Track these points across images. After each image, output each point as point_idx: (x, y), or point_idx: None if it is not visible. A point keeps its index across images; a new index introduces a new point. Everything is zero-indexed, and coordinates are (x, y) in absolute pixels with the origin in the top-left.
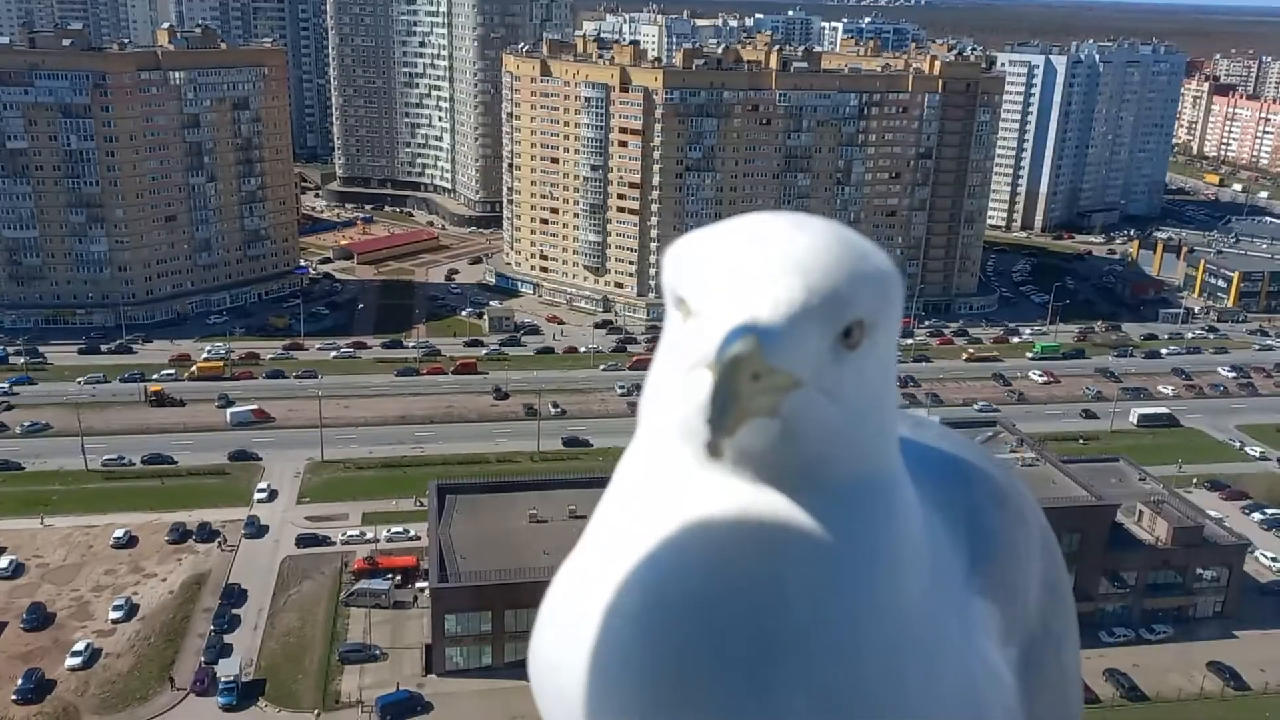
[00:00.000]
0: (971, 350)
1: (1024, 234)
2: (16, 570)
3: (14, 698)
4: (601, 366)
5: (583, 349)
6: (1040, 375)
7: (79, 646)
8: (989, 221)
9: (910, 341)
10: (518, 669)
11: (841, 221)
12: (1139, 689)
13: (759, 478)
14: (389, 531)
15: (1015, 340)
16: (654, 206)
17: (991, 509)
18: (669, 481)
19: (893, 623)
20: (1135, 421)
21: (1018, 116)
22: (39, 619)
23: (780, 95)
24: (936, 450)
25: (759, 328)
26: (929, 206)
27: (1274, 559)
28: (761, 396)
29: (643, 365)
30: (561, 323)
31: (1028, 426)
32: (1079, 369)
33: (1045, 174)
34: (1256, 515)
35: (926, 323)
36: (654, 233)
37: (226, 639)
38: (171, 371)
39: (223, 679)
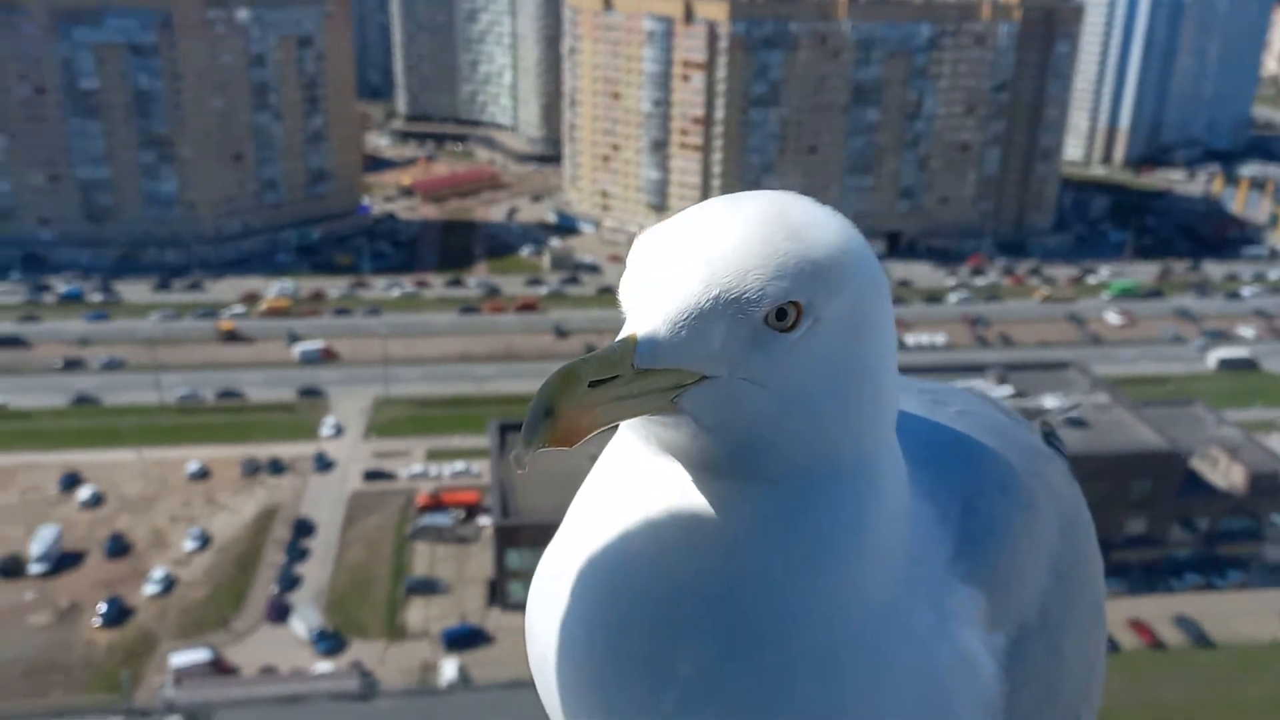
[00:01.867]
0: (1046, 290)
1: (1103, 169)
2: (97, 501)
3: (97, 623)
4: None
5: None
6: (1116, 316)
7: (157, 575)
8: (1066, 157)
9: (982, 282)
10: None
11: (911, 156)
12: (1207, 636)
13: (697, 470)
14: (452, 468)
15: (1091, 280)
16: (717, 142)
17: (991, 493)
18: (626, 471)
19: (832, 614)
20: (1214, 365)
21: (1098, 48)
22: (119, 548)
23: (850, 26)
24: (945, 430)
25: (641, 332)
26: (1003, 141)
27: None
28: (634, 399)
29: None
30: (623, 261)
31: (1102, 369)
32: (1157, 310)
33: (1126, 107)
34: None
35: (998, 261)
36: (716, 169)
37: (297, 570)
38: (241, 309)
39: (312, 630)
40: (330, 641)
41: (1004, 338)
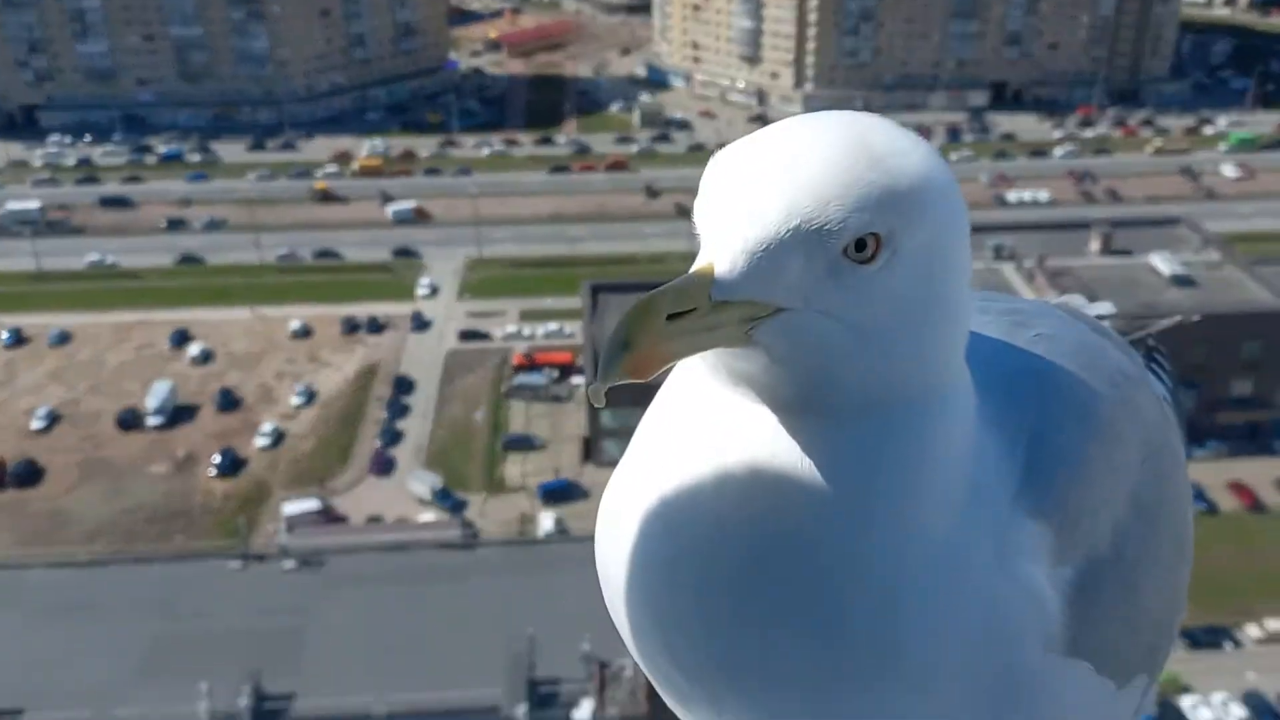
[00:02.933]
0: (1159, 142)
1: (1227, 10)
2: (206, 357)
3: (212, 473)
4: None
5: None
6: (1234, 170)
7: (266, 428)
8: None
9: (1091, 134)
10: None
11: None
12: None
13: (762, 402)
14: (545, 328)
15: (1208, 131)
16: None
17: (1065, 423)
18: (691, 401)
19: (891, 551)
20: None
21: None
22: (229, 402)
23: None
24: (1021, 356)
25: (718, 264)
26: None
27: None
28: (710, 332)
29: None
30: (714, 117)
31: (1216, 225)
32: (1277, 163)
33: None
34: None
35: (1110, 112)
36: (813, 16)
37: (399, 425)
38: (334, 168)
39: (435, 489)
40: (452, 499)
41: (1112, 193)
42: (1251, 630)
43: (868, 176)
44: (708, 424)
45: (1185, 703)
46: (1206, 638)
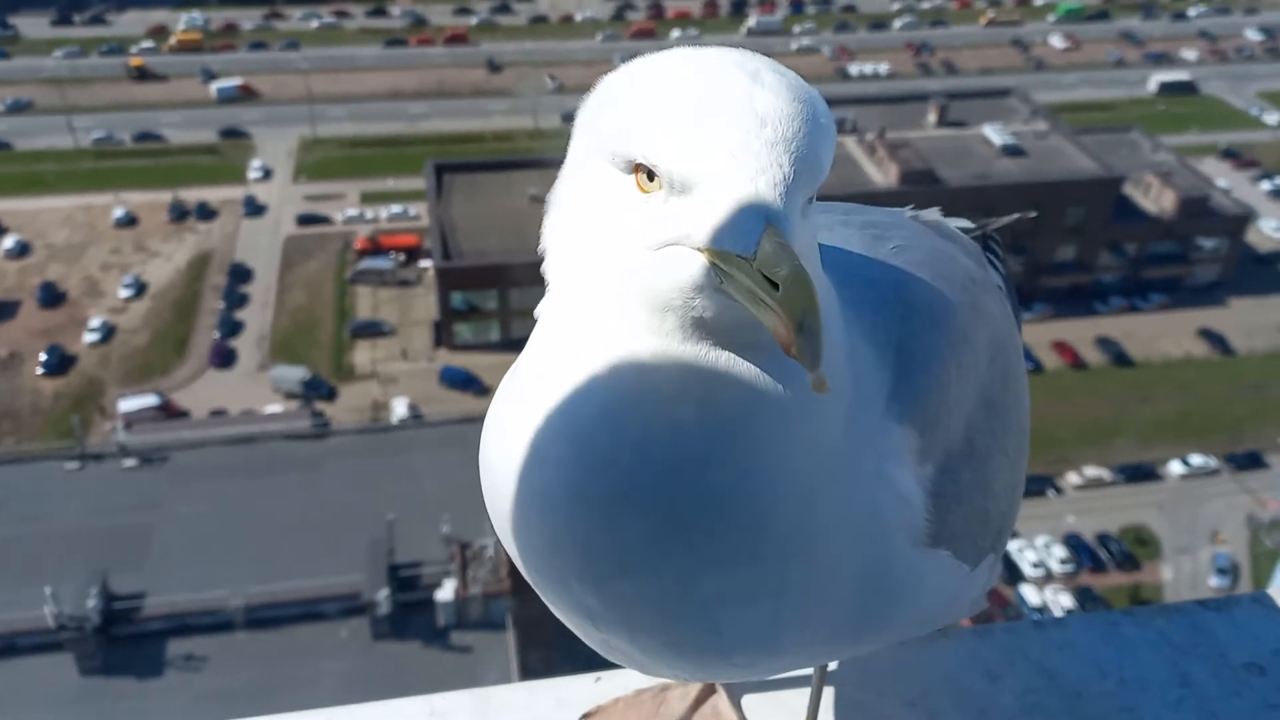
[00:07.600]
0: (992, 14)
1: None
2: (23, 250)
3: (40, 371)
4: (599, 36)
5: (579, 17)
6: (1061, 40)
7: (94, 323)
8: None
9: (928, 4)
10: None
11: None
12: (1127, 355)
13: (717, 343)
14: (388, 210)
15: (1039, 1)
16: None
17: (924, 333)
18: (617, 341)
19: (797, 460)
20: (1154, 89)
21: None
22: (52, 297)
23: None
24: (883, 268)
25: (771, 211)
26: None
27: (1277, 228)
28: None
29: (643, 34)
30: None
31: (1044, 95)
32: (1102, 33)
33: None
34: (1265, 184)
35: None
36: None
37: (237, 315)
38: (150, 44)
39: (303, 380)
40: (326, 386)
41: (947, 65)
42: (1071, 477)
43: (828, 124)
44: (619, 342)
45: (1012, 545)
46: (1031, 485)
